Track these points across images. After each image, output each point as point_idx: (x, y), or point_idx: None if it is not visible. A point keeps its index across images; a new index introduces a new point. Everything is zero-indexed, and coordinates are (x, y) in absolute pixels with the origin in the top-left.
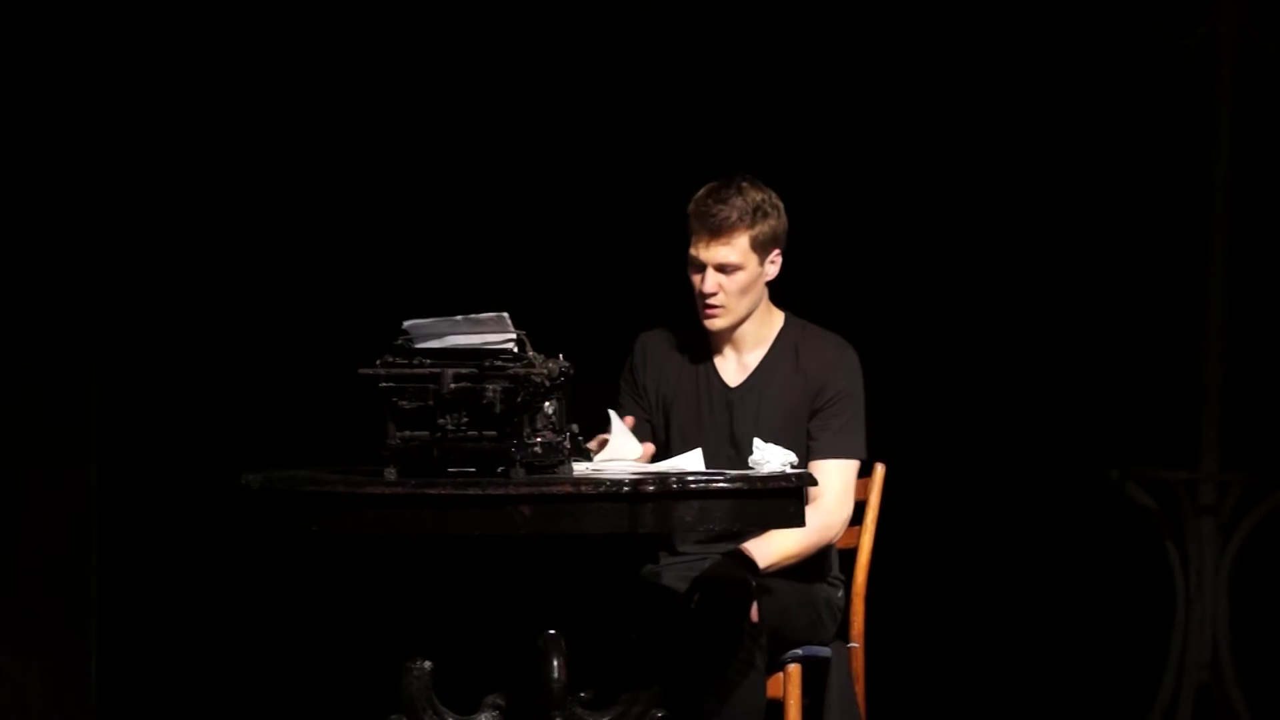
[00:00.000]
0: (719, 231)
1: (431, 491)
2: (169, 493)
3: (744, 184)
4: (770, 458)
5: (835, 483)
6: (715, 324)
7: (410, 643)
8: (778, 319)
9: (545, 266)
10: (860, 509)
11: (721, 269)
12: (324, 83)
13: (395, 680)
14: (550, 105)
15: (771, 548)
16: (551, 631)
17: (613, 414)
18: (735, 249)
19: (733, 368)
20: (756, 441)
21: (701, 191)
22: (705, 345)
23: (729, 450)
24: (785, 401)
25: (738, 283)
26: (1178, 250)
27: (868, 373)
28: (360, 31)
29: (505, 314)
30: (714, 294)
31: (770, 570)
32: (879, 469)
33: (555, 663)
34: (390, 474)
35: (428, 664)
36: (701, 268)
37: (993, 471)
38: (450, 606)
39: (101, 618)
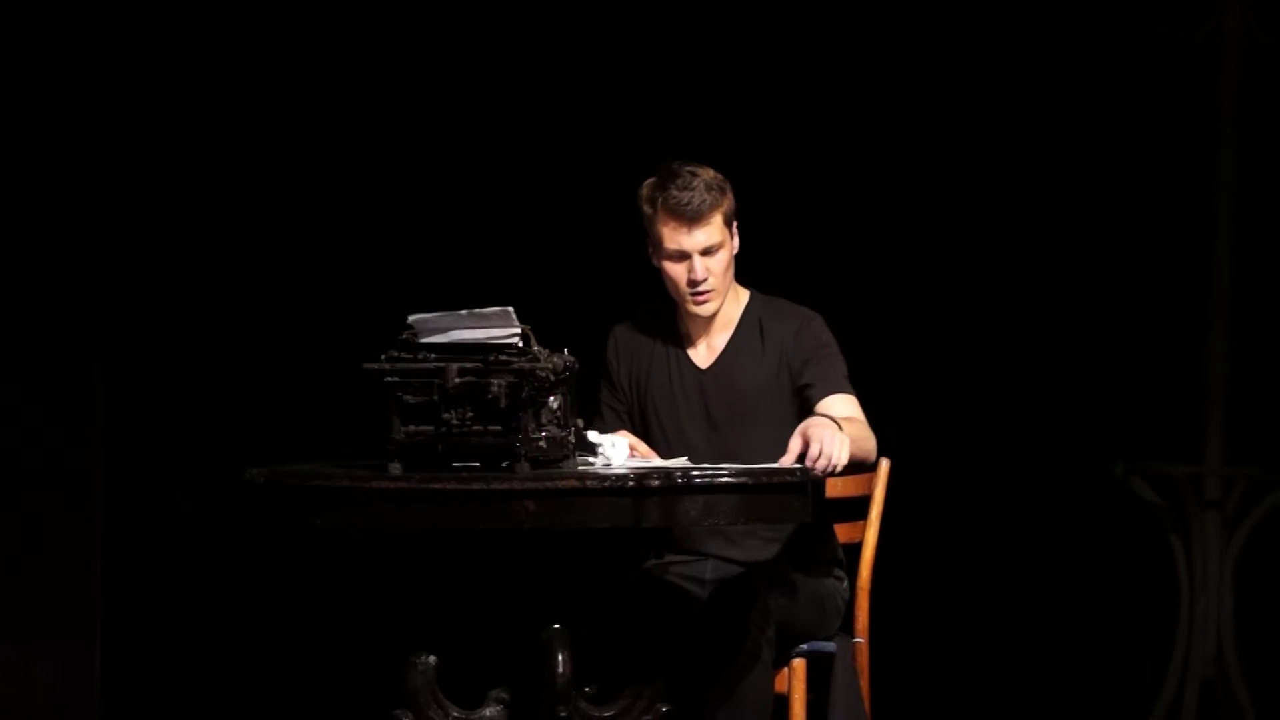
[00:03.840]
0: (697, 217)
1: (436, 486)
2: (174, 487)
3: (689, 167)
4: (613, 457)
5: (855, 408)
6: (710, 308)
7: (414, 637)
8: (744, 296)
9: (550, 261)
10: (865, 504)
11: (707, 252)
12: (326, 81)
13: (400, 675)
14: (556, 101)
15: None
16: (556, 626)
17: (592, 434)
18: (715, 229)
19: (702, 349)
20: (592, 433)
21: (650, 189)
22: (675, 330)
23: (708, 432)
24: (758, 374)
25: (722, 262)
26: (1183, 245)
27: (873, 369)
28: (363, 29)
29: (510, 308)
30: (705, 279)
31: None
32: (884, 464)
33: (560, 657)
34: (395, 469)
35: (432, 658)
36: (684, 257)
37: (998, 466)
38: (455, 601)
39: (106, 612)
